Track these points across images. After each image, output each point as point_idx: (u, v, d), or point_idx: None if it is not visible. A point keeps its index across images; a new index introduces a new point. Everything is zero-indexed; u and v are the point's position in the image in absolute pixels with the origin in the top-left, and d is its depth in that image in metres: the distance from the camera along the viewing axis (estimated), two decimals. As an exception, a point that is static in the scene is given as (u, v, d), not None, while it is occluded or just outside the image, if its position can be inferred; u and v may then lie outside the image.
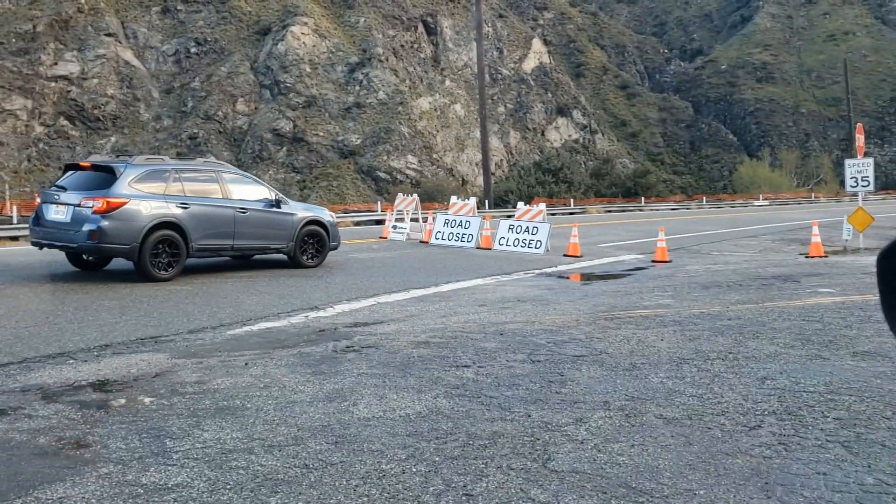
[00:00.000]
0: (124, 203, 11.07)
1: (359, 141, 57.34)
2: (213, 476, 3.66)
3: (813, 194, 73.60)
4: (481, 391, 5.23)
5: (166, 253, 11.50)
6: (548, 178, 54.19)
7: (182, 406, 4.89)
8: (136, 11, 59.22)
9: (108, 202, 10.95)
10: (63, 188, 11.57)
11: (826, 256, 16.59)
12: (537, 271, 14.31)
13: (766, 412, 4.69)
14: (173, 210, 11.61)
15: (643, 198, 57.29)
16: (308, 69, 59.26)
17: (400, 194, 25.27)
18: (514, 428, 4.41)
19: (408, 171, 56.71)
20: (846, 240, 19.23)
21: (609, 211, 48.49)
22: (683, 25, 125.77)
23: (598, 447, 4.08)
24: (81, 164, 12.25)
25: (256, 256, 14.12)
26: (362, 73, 60.65)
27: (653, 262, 15.84)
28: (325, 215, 14.33)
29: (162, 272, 11.42)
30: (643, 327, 7.74)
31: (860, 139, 19.96)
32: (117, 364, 6.17)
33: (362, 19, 64.70)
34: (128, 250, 11.18)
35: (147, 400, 5.05)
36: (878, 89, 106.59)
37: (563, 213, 42.63)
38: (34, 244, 12.00)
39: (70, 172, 12.07)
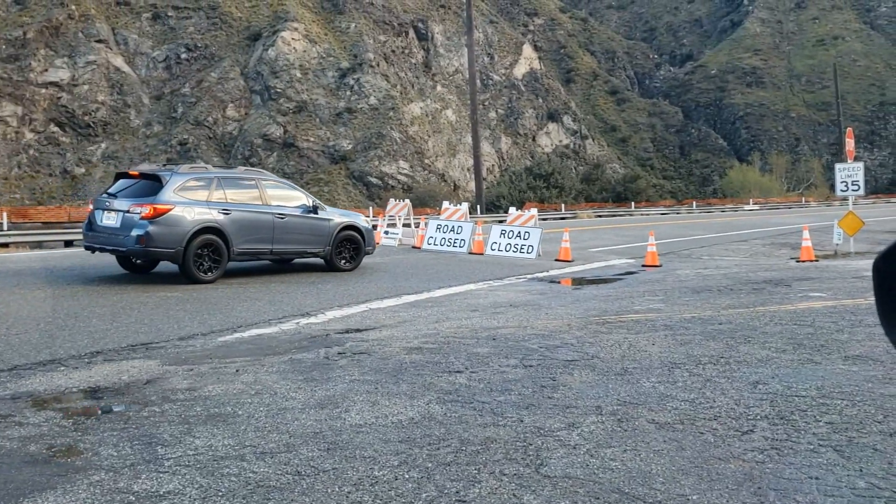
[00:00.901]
0: (170, 209, 11.70)
1: (350, 146, 57.34)
2: (204, 483, 3.64)
3: (803, 198, 74.01)
4: (474, 396, 5.23)
5: (209, 256, 12.12)
6: (539, 184, 54.31)
7: (173, 413, 4.86)
8: (127, 18, 59.15)
9: (155, 208, 11.59)
10: (114, 195, 12.22)
11: (817, 260, 16.66)
12: (529, 276, 14.32)
13: (758, 417, 4.70)
14: (216, 216, 12.23)
15: (633, 202, 57.48)
16: (299, 74, 59.25)
17: (392, 199, 25.27)
18: (507, 433, 4.40)
19: (399, 177, 56.74)
20: (837, 244, 19.30)
21: (600, 216, 48.64)
22: (673, 31, 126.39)
23: (590, 452, 4.08)
24: (130, 172, 12.89)
25: (248, 263, 14.15)
26: (353, 79, 60.70)
27: (643, 266, 15.88)
28: (361, 221, 14.86)
29: (205, 274, 12.04)
30: (634, 332, 7.75)
31: (850, 143, 20.05)
32: (108, 371, 6.13)
33: (353, 24, 64.76)
34: (173, 254, 11.79)
35: (138, 407, 5.02)
36: (867, 94, 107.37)
37: (555, 218, 42.71)
38: (87, 248, 12.59)
39: (120, 180, 12.73)
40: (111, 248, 12.05)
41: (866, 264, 14.96)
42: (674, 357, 6.48)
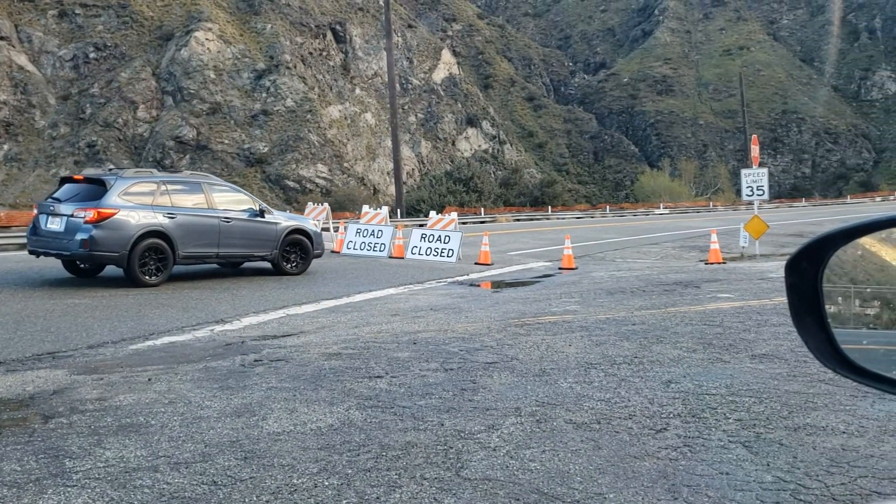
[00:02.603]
0: (114, 213, 11.76)
1: (266, 149, 56.43)
2: (115, 496, 3.51)
3: (711, 203, 76.58)
4: (394, 401, 5.21)
5: (154, 260, 12.16)
6: (459, 188, 54.62)
7: (82, 424, 4.68)
8: (31, 15, 56.75)
9: (99, 212, 11.64)
10: (58, 199, 12.28)
11: (724, 263, 17.28)
12: (449, 280, 14.38)
13: (671, 415, 4.83)
14: (161, 220, 12.26)
15: (550, 207, 58.39)
16: (212, 75, 57.98)
17: (310, 203, 24.96)
18: (428, 437, 4.41)
19: (318, 180, 56.16)
20: (743, 247, 20.06)
21: (518, 220, 49.24)
22: (587, 39, 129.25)
23: (510, 454, 4.11)
24: (75, 176, 13.16)
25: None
26: (269, 80, 59.77)
27: (560, 269, 16.16)
28: (309, 225, 14.92)
29: (150, 278, 12.07)
30: (552, 333, 7.88)
31: (755, 150, 20.88)
32: (11, 382, 5.86)
33: (269, 26, 63.78)
34: (117, 258, 11.86)
35: (44, 419, 4.81)
36: (771, 102, 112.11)
37: (474, 222, 43.03)
38: (31, 252, 12.62)
39: (65, 185, 12.82)
40: (55, 251, 12.05)
41: (771, 266, 15.62)
42: (590, 358, 6.61)
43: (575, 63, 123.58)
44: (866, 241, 1.51)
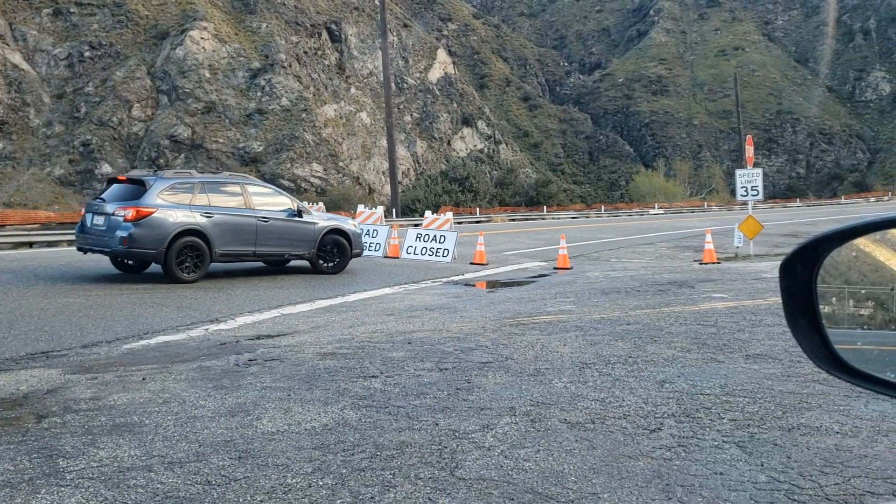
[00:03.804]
0: (152, 212, 12.25)
1: (261, 148, 56.38)
2: (109, 496, 3.50)
3: (705, 203, 76.74)
4: (389, 401, 5.21)
5: (191, 257, 12.59)
6: (454, 187, 54.61)
7: (76, 424, 4.67)
8: (26, 13, 56.61)
9: (138, 211, 12.17)
10: (103, 199, 12.90)
11: (719, 263, 17.31)
12: (444, 279, 14.38)
13: (665, 415, 4.84)
14: (198, 219, 12.68)
15: (545, 206, 58.44)
16: (207, 74, 57.91)
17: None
18: (422, 437, 4.40)
19: (313, 179, 56.12)
20: (737, 247, 20.10)
21: (513, 219, 49.27)
22: (583, 39, 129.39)
23: (504, 453, 4.11)
24: (119, 177, 13.86)
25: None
26: (264, 80, 59.71)
27: (555, 268, 16.17)
28: (348, 225, 15.20)
29: (188, 275, 12.50)
30: (547, 333, 7.88)
31: (749, 150, 20.92)
32: (5, 381, 5.84)
33: (264, 25, 63.71)
34: (155, 254, 12.35)
35: (38, 418, 4.79)
36: (765, 103, 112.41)
37: (470, 222, 43.03)
38: (79, 249, 13.21)
39: (112, 185, 13.47)
40: (98, 248, 12.61)
41: (765, 266, 15.65)
42: (584, 357, 6.61)
43: (570, 63, 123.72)
44: (861, 243, 1.51)
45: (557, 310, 9.83)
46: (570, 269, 16.10)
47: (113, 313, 9.40)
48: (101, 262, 14.75)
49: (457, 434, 4.46)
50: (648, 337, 7.55)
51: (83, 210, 13.50)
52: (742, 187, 19.93)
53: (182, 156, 54.01)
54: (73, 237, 14.81)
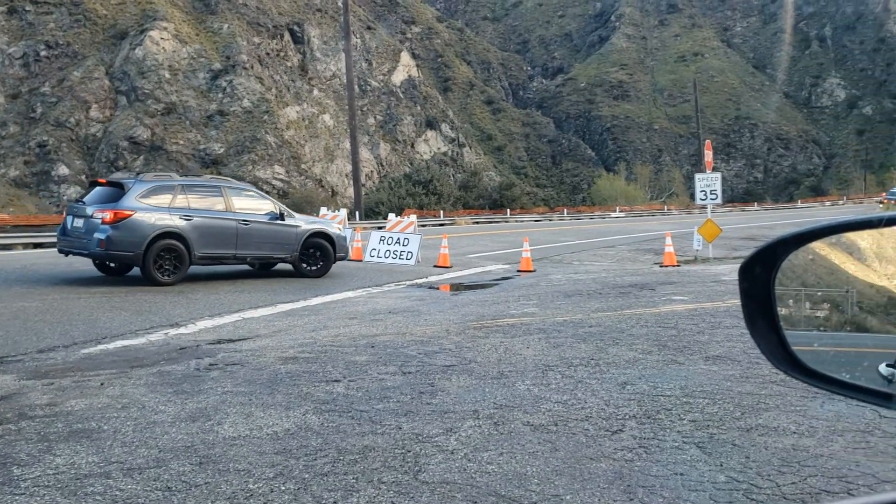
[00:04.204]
0: (130, 215, 12.27)
1: (222, 150, 55.77)
2: (64, 505, 3.43)
3: (666, 206, 77.64)
4: (352, 405, 5.18)
5: (170, 260, 12.60)
6: (418, 190, 54.56)
7: (31, 430, 4.56)
8: (-22, 10, 55.32)
9: (115, 214, 12.20)
10: (84, 202, 12.99)
11: (679, 266, 17.53)
12: (408, 282, 14.36)
13: (626, 416, 4.88)
14: (176, 221, 12.70)
15: (509, 209, 58.65)
16: (168, 75, 57.15)
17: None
18: (385, 441, 4.39)
19: (274, 182, 55.66)
20: (697, 250, 20.37)
21: (477, 222, 49.37)
22: (545, 44, 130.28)
23: (468, 456, 4.12)
24: (100, 180, 13.93)
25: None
26: (225, 81, 59.10)
27: (518, 271, 16.24)
28: (332, 228, 15.24)
29: (165, 277, 12.49)
30: (510, 335, 7.91)
31: (708, 155, 21.22)
32: (-46, 389, 5.69)
33: (226, 25, 63.07)
34: (132, 257, 12.39)
35: (-11, 427, 4.68)
36: (724, 108, 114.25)
37: (434, 225, 43.02)
38: (60, 251, 13.21)
39: (93, 188, 13.60)
40: (77, 251, 12.67)
41: (724, 269, 15.89)
42: (547, 360, 6.65)
43: (533, 67, 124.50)
44: (817, 246, 1.54)
45: (521, 312, 9.87)
46: (534, 271, 16.18)
47: (70, 317, 9.22)
48: (58, 266, 14.48)
49: (420, 438, 4.45)
50: (610, 339, 7.61)
51: (65, 213, 13.49)
52: (701, 191, 20.20)
53: (141, 157, 53.22)
54: (28, 240, 14.61)
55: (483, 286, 13.94)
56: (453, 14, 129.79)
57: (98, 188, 13.37)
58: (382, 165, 71.47)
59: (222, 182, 14.44)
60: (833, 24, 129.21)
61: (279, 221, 14.08)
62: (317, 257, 14.64)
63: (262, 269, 15.00)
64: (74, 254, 12.83)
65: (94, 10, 59.68)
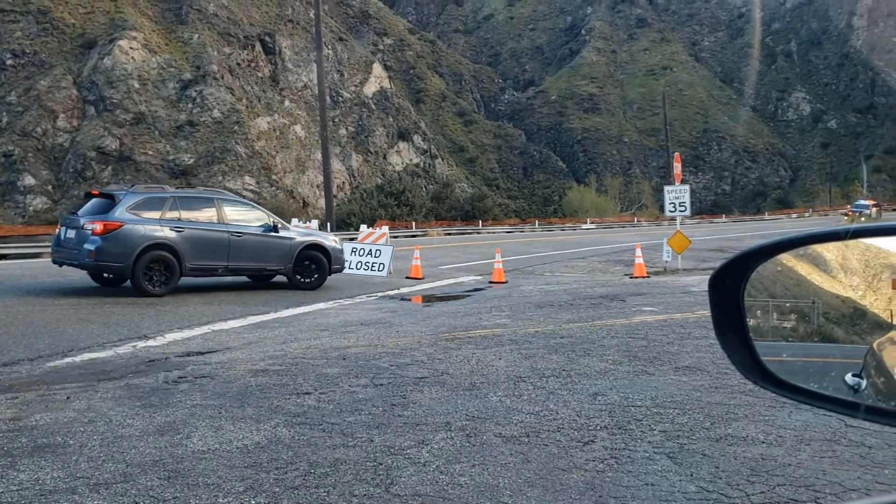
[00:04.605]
0: (119, 226, 12.36)
1: (192, 160, 55.31)
2: (28, 523, 3.36)
3: (635, 218, 78.30)
4: (323, 418, 5.14)
5: (160, 271, 12.66)
6: (390, 201, 54.53)
7: (-8, 447, 4.47)
8: (-58, 17, 54.45)
9: (105, 225, 12.29)
10: (77, 213, 13.10)
11: (648, 277, 17.68)
12: (380, 294, 14.32)
13: (598, 427, 4.90)
14: (167, 233, 12.78)
15: (481, 221, 58.82)
16: (137, 85, 56.63)
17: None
18: (357, 454, 4.36)
19: (245, 193, 55.22)
20: (666, 261, 20.55)
21: (449, 234, 49.43)
22: (516, 57, 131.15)
23: (440, 469, 4.10)
24: (93, 192, 13.91)
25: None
26: (196, 91, 58.69)
27: (490, 283, 16.27)
28: (328, 241, 15.26)
29: (155, 288, 12.53)
30: (482, 347, 7.91)
31: (677, 167, 21.45)
32: (-85, 403, 5.55)
33: (196, 35, 62.67)
34: (121, 268, 12.51)
35: (-50, 442, 4.57)
36: (692, 121, 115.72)
37: (406, 236, 42.98)
38: (54, 262, 13.37)
39: (88, 199, 13.65)
40: (69, 262, 12.76)
41: (693, 280, 16.05)
42: (519, 371, 6.66)
43: (505, 80, 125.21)
44: (784, 258, 1.56)
45: (493, 324, 9.88)
46: (506, 283, 16.22)
47: (35, 330, 9.06)
48: (23, 278, 14.26)
49: (392, 450, 4.43)
50: (581, 350, 7.65)
51: (59, 223, 13.75)
52: (670, 203, 20.39)
53: (109, 168, 52.60)
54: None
55: (455, 297, 13.94)
56: (425, 26, 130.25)
57: (92, 200, 13.44)
58: (354, 176, 71.33)
59: (216, 194, 14.53)
60: (798, 39, 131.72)
61: (273, 234, 14.12)
62: (312, 269, 14.63)
63: (259, 281, 15.00)
64: (67, 264, 12.89)
65: (62, 18, 59.02)
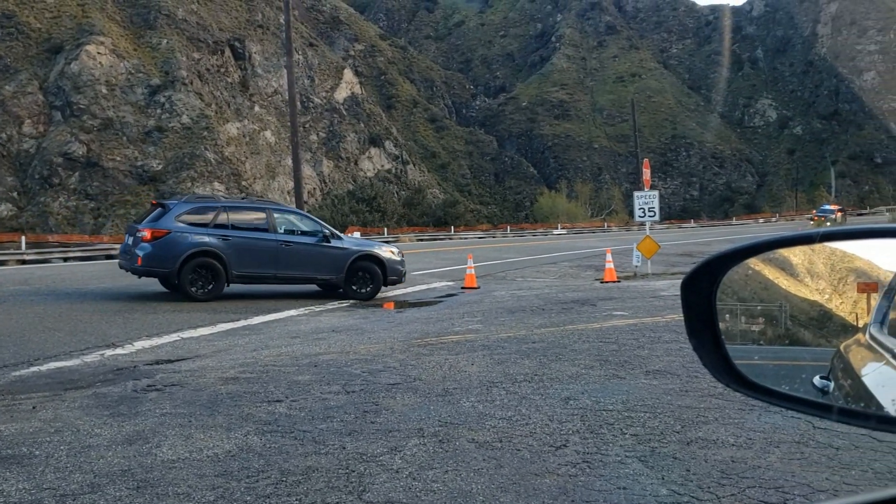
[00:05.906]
0: (166, 233, 12.94)
1: (160, 166, 54.73)
2: (-8, 536, 3.29)
3: (606, 224, 78.81)
4: (294, 426, 5.10)
5: (205, 277, 13.11)
6: (362, 207, 54.42)
7: (-45, 459, 4.37)
8: None
9: (152, 232, 12.92)
10: (139, 221, 13.92)
11: (619, 281, 17.80)
12: (351, 300, 14.26)
13: (570, 431, 4.91)
14: (213, 241, 13.21)
15: (453, 227, 58.87)
16: (104, 90, 55.93)
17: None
18: (329, 461, 4.33)
19: (215, 199, 54.75)
20: (636, 266, 20.70)
21: (421, 240, 49.40)
22: (488, 63, 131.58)
23: (412, 475, 4.09)
24: (153, 201, 15.04)
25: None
26: (164, 96, 58.10)
27: (462, 288, 16.28)
28: (383, 252, 15.23)
29: (199, 293, 12.97)
30: (455, 353, 7.91)
31: (646, 173, 21.64)
32: None
33: (164, 41, 62.07)
34: (167, 273, 13.16)
35: (-89, 454, 4.47)
36: (661, 127, 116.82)
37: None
38: (120, 267, 14.00)
39: (152, 210, 14.20)
40: (128, 267, 13.41)
41: (663, 284, 16.19)
42: (491, 376, 6.66)
43: (476, 86, 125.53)
44: (752, 262, 1.58)
45: (465, 329, 9.88)
46: (478, 288, 16.24)
47: (0, 339, 8.89)
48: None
49: (364, 457, 4.40)
50: (553, 355, 7.67)
51: (125, 232, 14.57)
52: (640, 208, 20.55)
53: (76, 174, 51.89)
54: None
55: (427, 303, 13.93)
56: (396, 32, 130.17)
57: (153, 209, 14.10)
58: (325, 182, 71.06)
59: (267, 204, 15.20)
60: (764, 47, 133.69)
61: (325, 243, 14.33)
62: (366, 280, 14.71)
63: (326, 290, 15.02)
64: (127, 270, 13.52)
65: (28, 23, 58.15)
